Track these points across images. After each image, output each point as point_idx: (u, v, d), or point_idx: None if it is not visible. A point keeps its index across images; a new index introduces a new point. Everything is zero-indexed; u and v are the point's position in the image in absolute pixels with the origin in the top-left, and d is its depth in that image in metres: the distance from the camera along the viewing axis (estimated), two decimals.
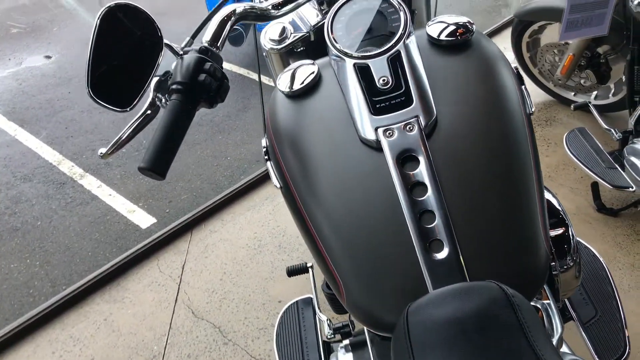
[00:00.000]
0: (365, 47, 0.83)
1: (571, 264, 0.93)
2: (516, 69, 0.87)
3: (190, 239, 2.12)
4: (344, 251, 0.73)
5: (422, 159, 0.72)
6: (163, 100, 0.82)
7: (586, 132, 2.08)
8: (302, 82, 0.85)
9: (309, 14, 1.06)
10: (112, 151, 0.88)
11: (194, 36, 0.89)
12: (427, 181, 0.71)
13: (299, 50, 1.07)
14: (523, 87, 0.85)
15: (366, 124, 0.76)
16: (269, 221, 2.15)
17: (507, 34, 3.40)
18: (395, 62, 0.80)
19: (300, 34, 1.04)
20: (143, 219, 2.31)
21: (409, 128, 0.74)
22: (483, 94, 0.79)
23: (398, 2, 0.85)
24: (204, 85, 0.77)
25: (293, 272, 1.45)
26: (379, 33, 0.84)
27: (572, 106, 2.15)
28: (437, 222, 0.68)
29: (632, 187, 1.84)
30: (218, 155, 2.72)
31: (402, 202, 0.70)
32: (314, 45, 1.07)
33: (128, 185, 2.54)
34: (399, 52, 0.81)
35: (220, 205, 2.25)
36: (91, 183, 2.58)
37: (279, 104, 0.88)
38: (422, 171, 0.71)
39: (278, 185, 0.89)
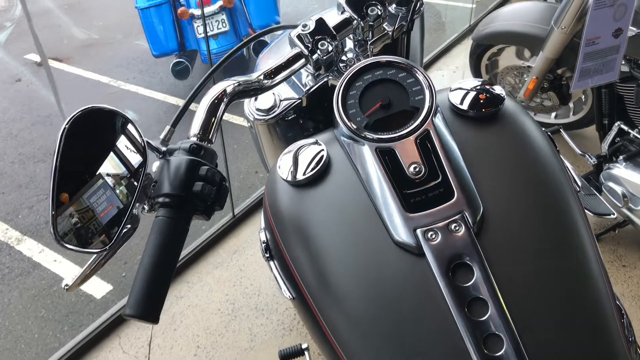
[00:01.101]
0: (384, 126, 0.70)
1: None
2: (549, 136, 0.76)
3: None
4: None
5: (476, 267, 0.59)
6: (144, 210, 0.66)
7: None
8: (310, 169, 0.71)
9: (299, 77, 0.92)
10: (80, 282, 0.71)
11: (174, 124, 0.74)
12: (486, 296, 0.58)
13: (289, 118, 0.93)
14: (564, 160, 0.75)
15: (400, 224, 0.63)
16: (241, 279, 1.97)
17: (455, 52, 3.40)
18: (425, 144, 0.67)
19: (291, 102, 0.90)
20: (97, 287, 2.06)
21: (455, 228, 0.62)
22: (530, 175, 0.68)
23: (420, 71, 0.73)
24: (200, 196, 0.62)
25: (287, 356, 1.29)
26: (399, 108, 0.71)
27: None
28: (506, 349, 0.56)
29: (614, 214, 1.81)
30: None
31: (459, 323, 0.57)
32: (305, 110, 0.93)
33: None
34: (428, 131, 0.68)
35: (184, 265, 2.04)
36: (31, 248, 2.29)
37: (280, 192, 0.73)
38: (478, 283, 0.59)
39: (288, 296, 0.74)
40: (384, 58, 0.74)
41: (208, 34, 3.15)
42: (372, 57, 0.75)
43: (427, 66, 3.34)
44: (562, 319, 0.59)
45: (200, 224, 2.32)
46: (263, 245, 0.79)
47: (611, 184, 1.82)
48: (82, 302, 2.00)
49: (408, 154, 0.67)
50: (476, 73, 2.62)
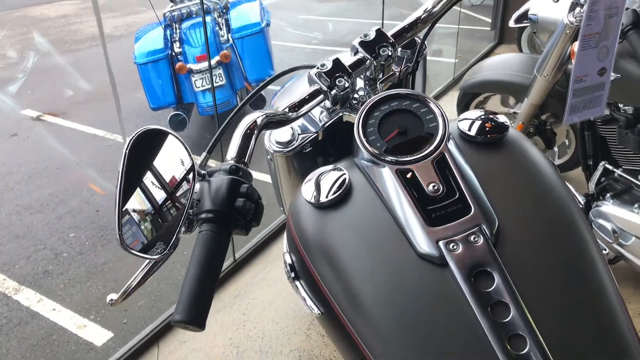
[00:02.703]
0: (401, 151, 0.77)
1: None
2: (550, 160, 0.84)
3: (157, 353, 1.88)
4: None
5: (496, 274, 0.65)
6: (182, 230, 0.70)
7: None
8: (333, 192, 0.77)
9: (316, 113, 1.00)
10: (124, 297, 0.74)
11: (210, 151, 0.80)
12: (508, 299, 0.63)
13: (306, 150, 1.00)
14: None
15: (423, 237, 0.69)
16: (244, 323, 1.97)
17: (442, 103, 3.55)
18: (441, 166, 0.74)
19: (310, 135, 0.97)
20: (97, 335, 2.04)
21: (474, 239, 0.68)
22: (538, 192, 0.76)
23: (432, 101, 0.81)
24: (242, 211, 0.67)
25: None
26: (414, 135, 0.79)
27: None
28: (530, 348, 0.60)
29: (605, 250, 1.88)
30: (174, 251, 2.51)
31: (484, 325, 0.62)
32: (320, 144, 1.00)
33: (74, 296, 2.26)
34: (443, 154, 0.75)
35: None
36: (29, 298, 2.27)
37: (305, 215, 0.79)
38: (499, 288, 0.64)
39: (316, 312, 0.78)
40: (401, 90, 0.82)
41: (205, 88, 3.27)
42: (390, 90, 0.83)
43: None
44: (579, 317, 0.64)
45: None
46: (288, 266, 0.84)
47: (601, 221, 1.90)
48: (83, 350, 1.97)
49: (426, 174, 0.73)
50: None
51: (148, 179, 0.67)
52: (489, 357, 0.60)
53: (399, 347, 0.65)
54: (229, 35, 3.36)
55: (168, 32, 3.39)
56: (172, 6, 3.45)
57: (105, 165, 3.41)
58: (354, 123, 0.86)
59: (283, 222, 2.46)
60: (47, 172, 3.35)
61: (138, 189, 0.66)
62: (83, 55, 6.05)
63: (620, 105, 1.80)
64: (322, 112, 1.00)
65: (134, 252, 0.64)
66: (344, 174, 0.80)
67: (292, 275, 0.83)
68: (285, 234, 0.89)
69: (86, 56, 6.00)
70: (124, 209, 0.64)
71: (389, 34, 0.94)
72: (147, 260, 0.74)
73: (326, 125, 0.97)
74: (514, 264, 0.66)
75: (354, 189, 0.78)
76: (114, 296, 0.74)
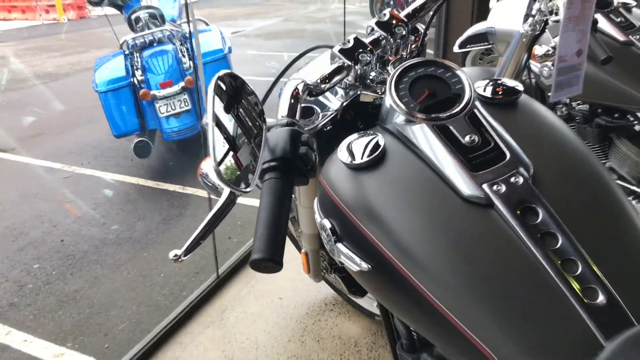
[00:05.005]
0: (432, 111, 0.83)
1: None
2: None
3: None
4: (492, 319, 0.66)
5: (540, 208, 0.71)
6: (248, 184, 0.73)
7: None
8: (368, 153, 0.82)
9: (330, 98, 1.05)
10: (189, 251, 0.75)
11: (263, 102, 0.85)
12: (555, 229, 0.69)
13: (327, 129, 1.04)
14: None
15: (468, 182, 0.74)
16: (235, 335, 1.93)
17: None
18: (472, 121, 0.81)
19: (331, 112, 1.02)
20: None
21: (515, 180, 0.74)
22: (559, 139, 0.83)
23: (456, 67, 0.88)
24: (305, 159, 0.70)
25: None
26: (442, 96, 0.85)
27: None
28: (582, 269, 0.66)
29: None
30: (148, 274, 2.44)
31: (538, 254, 0.67)
32: (340, 122, 1.05)
33: (47, 325, 2.13)
34: (473, 110, 0.82)
35: (173, 328, 1.97)
36: None
37: (343, 177, 0.83)
38: (546, 220, 0.70)
39: (366, 267, 0.80)
40: (427, 59, 0.89)
41: (170, 114, 3.26)
42: (418, 57, 0.90)
43: None
44: (618, 241, 0.71)
45: (180, 290, 2.27)
46: (329, 230, 0.86)
47: None
48: None
49: (462, 127, 0.80)
50: None
51: (229, 120, 0.70)
52: (546, 282, 0.65)
53: (460, 285, 0.68)
54: (191, 62, 3.39)
55: (129, 60, 3.37)
56: (133, 35, 3.45)
57: (66, 196, 3.28)
58: (370, 102, 0.91)
59: None
60: (1, 207, 3.18)
61: (224, 127, 0.68)
62: (28, 93, 5.86)
63: (574, 104, 1.97)
64: (336, 93, 1.05)
65: (224, 179, 0.65)
66: (377, 136, 0.85)
67: (334, 238, 0.85)
68: (317, 203, 0.92)
69: (32, 93, 5.82)
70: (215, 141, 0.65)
71: (402, 15, 1.03)
72: (210, 216, 0.75)
73: (345, 103, 1.03)
74: (554, 199, 0.72)
75: (387, 150, 0.83)
76: (177, 251, 0.74)
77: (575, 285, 0.65)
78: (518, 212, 0.71)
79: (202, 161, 0.90)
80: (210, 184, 0.88)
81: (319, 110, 1.03)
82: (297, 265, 2.30)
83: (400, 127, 0.84)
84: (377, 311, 1.84)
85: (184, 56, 3.40)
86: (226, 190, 0.81)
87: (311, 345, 1.85)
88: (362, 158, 0.82)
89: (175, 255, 0.75)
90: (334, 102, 1.04)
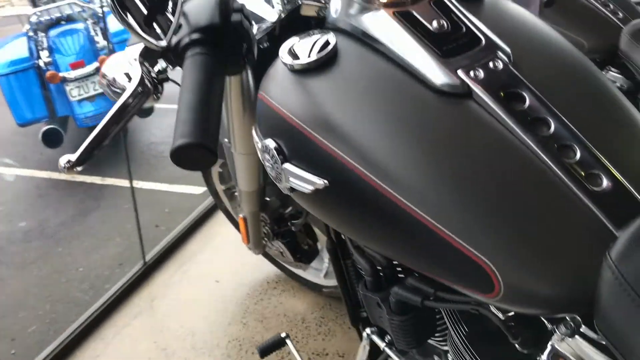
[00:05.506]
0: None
1: None
2: None
3: None
4: (485, 220, 0.54)
5: (526, 93, 0.60)
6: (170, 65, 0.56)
7: None
8: (318, 51, 0.67)
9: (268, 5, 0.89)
10: (85, 157, 0.57)
11: None
12: (545, 114, 0.58)
13: (263, 46, 0.88)
14: None
15: (440, 69, 0.62)
16: (168, 324, 1.72)
17: None
18: (440, 6, 0.69)
19: (266, 27, 0.86)
20: None
21: (494, 65, 0.62)
22: (533, 26, 0.73)
23: None
24: (239, 30, 0.54)
25: (267, 350, 1.13)
26: None
27: None
28: (581, 154, 0.56)
29: None
30: (64, 269, 2.16)
31: (530, 142, 0.56)
32: (278, 39, 0.89)
33: None
34: None
35: (94, 322, 1.73)
36: None
37: (289, 84, 0.68)
38: (534, 105, 0.59)
39: (321, 184, 0.65)
40: None
41: (83, 97, 2.95)
42: None
43: None
44: (614, 123, 0.62)
45: (102, 283, 2.02)
46: (274, 150, 0.70)
47: None
48: None
49: (427, 13, 0.67)
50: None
51: None
52: (544, 172, 0.55)
53: (443, 187, 0.56)
54: (107, 41, 3.10)
55: (33, 41, 3.02)
56: (36, 12, 3.09)
57: None
58: (313, 17, 0.77)
59: (199, 216, 2.26)
60: None
61: None
62: None
63: None
64: (275, 5, 0.89)
65: (134, 28, 0.48)
66: (326, 33, 0.70)
67: (280, 158, 0.70)
68: (256, 127, 0.77)
69: None
70: None
71: None
72: (113, 110, 0.57)
73: (284, 15, 0.87)
74: (540, 83, 0.62)
75: (340, 48, 0.69)
76: (70, 157, 0.56)
77: (577, 172, 0.54)
78: (502, 96, 0.59)
79: (103, 64, 0.72)
80: (113, 89, 0.69)
81: (253, 23, 0.87)
82: (233, 245, 2.13)
83: (354, 19, 0.71)
84: (324, 282, 1.70)
85: (97, 34, 3.09)
86: (133, 82, 0.63)
87: (254, 326, 1.67)
88: (309, 56, 0.67)
89: (69, 161, 0.56)
90: (270, 13, 0.88)
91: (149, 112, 3.05)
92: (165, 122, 3.47)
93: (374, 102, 0.63)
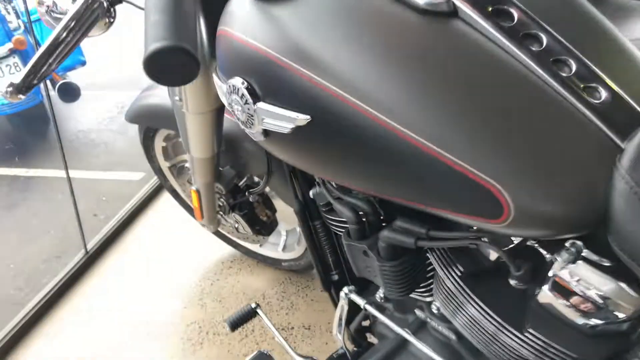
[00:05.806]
0: None
1: None
2: None
3: None
4: (488, 141, 0.52)
5: (513, 9, 0.58)
6: None
7: None
8: None
9: None
10: (27, 84, 0.49)
11: None
12: (536, 28, 0.57)
13: None
14: None
15: None
16: (119, 312, 1.62)
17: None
18: None
19: None
20: None
21: None
22: None
23: None
24: None
25: (237, 322, 1.08)
26: None
27: None
28: (577, 68, 0.55)
29: None
30: None
31: (524, 57, 0.55)
32: None
33: None
34: None
35: (35, 318, 1.59)
36: None
37: (255, 14, 0.62)
38: (523, 20, 0.57)
39: (303, 119, 0.60)
40: None
41: None
42: None
43: None
44: (605, 35, 0.61)
45: (40, 277, 1.86)
46: (245, 91, 0.64)
47: None
48: None
49: None
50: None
51: None
52: (542, 87, 0.54)
53: (443, 110, 0.53)
54: (20, 20, 2.83)
55: None
56: None
57: None
58: None
59: (140, 202, 2.14)
60: None
61: None
62: None
63: None
64: None
65: None
66: None
67: (253, 99, 0.64)
68: (217, 69, 0.71)
69: None
70: None
71: None
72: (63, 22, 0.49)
73: None
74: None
75: None
76: (14, 81, 0.48)
77: (576, 85, 0.54)
78: (489, 13, 0.57)
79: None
80: (54, 16, 0.61)
81: None
82: (181, 228, 2.03)
83: None
84: (283, 256, 1.66)
85: (8, 13, 2.82)
86: None
87: (213, 306, 1.61)
88: None
89: (11, 84, 0.48)
90: None
91: (74, 95, 2.84)
92: (92, 108, 3.25)
93: (356, 24, 0.58)
